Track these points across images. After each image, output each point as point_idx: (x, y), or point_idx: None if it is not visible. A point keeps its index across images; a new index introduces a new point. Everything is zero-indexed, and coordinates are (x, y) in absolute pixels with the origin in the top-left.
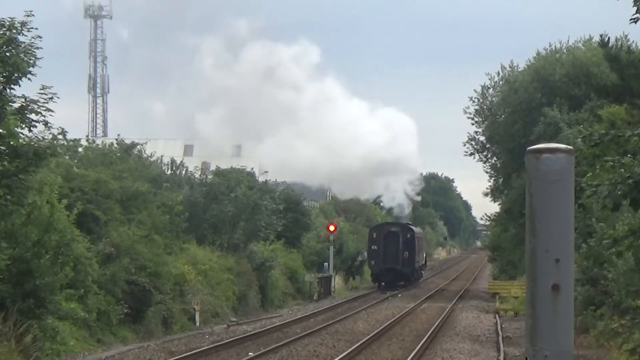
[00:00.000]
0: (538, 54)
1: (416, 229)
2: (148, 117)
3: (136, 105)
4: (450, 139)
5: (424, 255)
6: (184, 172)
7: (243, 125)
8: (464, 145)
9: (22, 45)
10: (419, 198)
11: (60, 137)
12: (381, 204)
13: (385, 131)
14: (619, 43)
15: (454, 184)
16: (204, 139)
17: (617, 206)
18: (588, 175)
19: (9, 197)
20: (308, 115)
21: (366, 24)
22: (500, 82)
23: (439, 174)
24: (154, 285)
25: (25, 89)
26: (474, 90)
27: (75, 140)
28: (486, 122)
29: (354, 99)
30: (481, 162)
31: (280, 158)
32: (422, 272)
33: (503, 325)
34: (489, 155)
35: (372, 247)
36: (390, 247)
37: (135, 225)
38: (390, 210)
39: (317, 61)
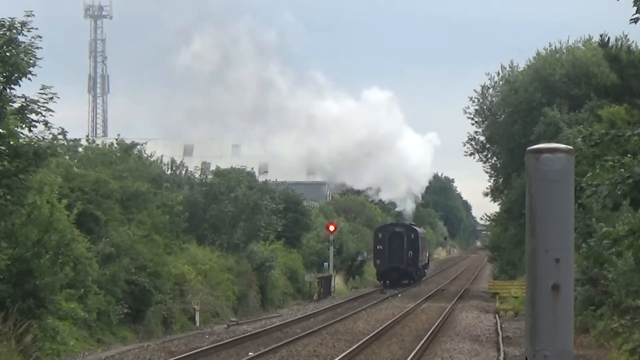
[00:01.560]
0: (538, 54)
1: (420, 230)
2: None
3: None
4: (450, 138)
5: (427, 254)
6: (184, 172)
7: (220, 122)
8: (464, 145)
9: (22, 46)
10: (419, 198)
11: (60, 137)
12: (393, 206)
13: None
14: (619, 43)
15: (454, 184)
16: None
17: (617, 206)
18: (588, 175)
19: (9, 197)
20: (293, 110)
21: (364, 24)
22: (500, 82)
23: (439, 174)
24: (154, 285)
25: (25, 89)
26: (474, 90)
27: (75, 140)
28: (486, 122)
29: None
30: (481, 162)
31: (262, 157)
32: (426, 270)
33: (503, 325)
34: (489, 155)
35: (378, 247)
36: (395, 247)
37: (135, 225)
38: (388, 206)
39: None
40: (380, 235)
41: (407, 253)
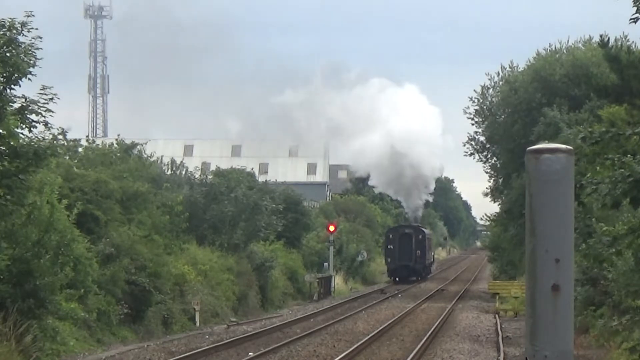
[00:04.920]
0: (538, 54)
1: (427, 231)
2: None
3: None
4: (450, 138)
5: (433, 253)
6: (184, 172)
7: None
8: (464, 145)
9: (23, 46)
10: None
11: (60, 137)
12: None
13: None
14: (619, 43)
15: (454, 184)
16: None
17: (617, 204)
18: (588, 175)
19: (9, 197)
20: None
21: (363, 24)
22: (500, 82)
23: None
24: (154, 285)
25: (25, 89)
26: (474, 90)
27: (75, 140)
28: (486, 122)
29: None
30: (481, 162)
31: None
32: (431, 268)
33: (503, 325)
34: (489, 156)
35: (389, 247)
36: (405, 246)
37: (135, 225)
38: (388, 207)
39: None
40: (391, 236)
41: (415, 252)
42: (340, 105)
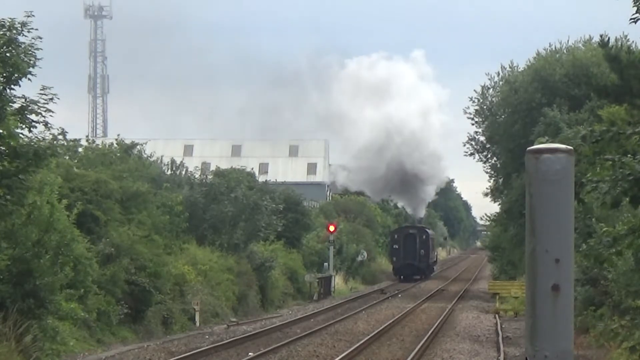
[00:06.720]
0: (538, 54)
1: (430, 231)
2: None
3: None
4: (450, 138)
5: (436, 253)
6: (184, 172)
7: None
8: (464, 145)
9: (22, 46)
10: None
11: (60, 137)
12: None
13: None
14: (619, 43)
15: (454, 184)
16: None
17: (617, 203)
18: (588, 175)
19: (9, 197)
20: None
21: (361, 23)
22: (500, 82)
23: None
24: (154, 285)
25: (25, 89)
26: (474, 90)
27: (75, 140)
28: (486, 122)
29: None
30: (481, 162)
31: None
32: (435, 267)
33: (503, 325)
34: (489, 155)
35: (394, 247)
36: (409, 246)
37: (135, 225)
38: (388, 207)
39: None
40: (396, 236)
41: (419, 251)
42: (333, 98)
